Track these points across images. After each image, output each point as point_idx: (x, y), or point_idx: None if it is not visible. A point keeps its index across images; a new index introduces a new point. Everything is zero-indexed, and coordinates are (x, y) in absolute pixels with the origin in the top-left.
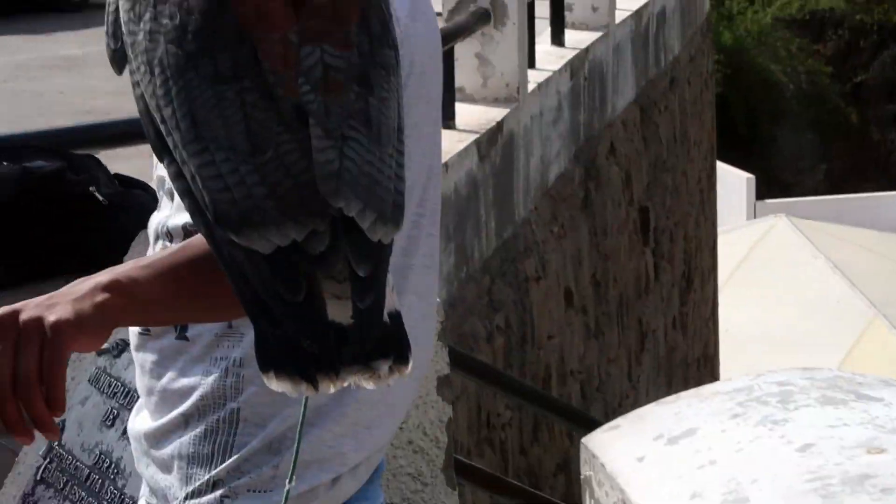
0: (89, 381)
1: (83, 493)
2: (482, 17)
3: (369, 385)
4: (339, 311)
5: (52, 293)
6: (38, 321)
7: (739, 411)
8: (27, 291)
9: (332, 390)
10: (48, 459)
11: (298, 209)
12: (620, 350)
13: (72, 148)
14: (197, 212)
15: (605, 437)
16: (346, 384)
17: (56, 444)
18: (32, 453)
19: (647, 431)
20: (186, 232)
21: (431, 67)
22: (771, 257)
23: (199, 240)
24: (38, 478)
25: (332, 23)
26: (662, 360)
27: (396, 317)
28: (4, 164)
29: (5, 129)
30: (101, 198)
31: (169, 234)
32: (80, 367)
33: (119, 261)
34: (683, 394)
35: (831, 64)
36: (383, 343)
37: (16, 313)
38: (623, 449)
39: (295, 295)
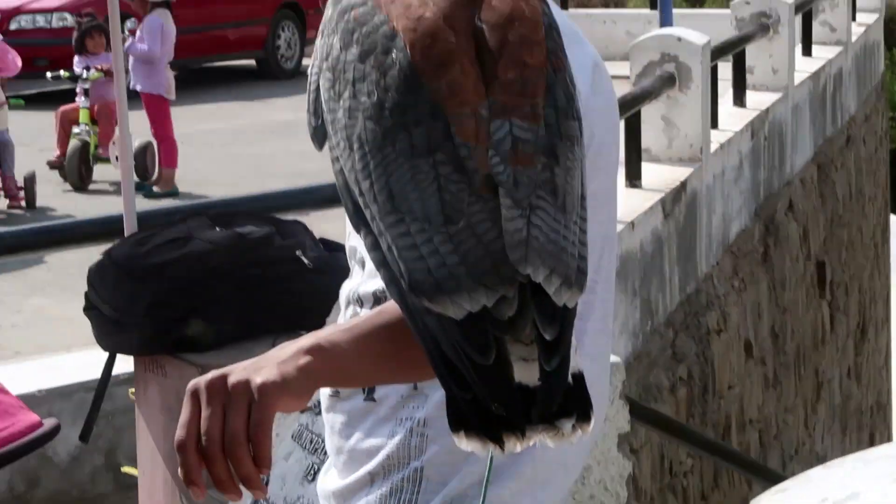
0: (292, 437)
1: None
2: (667, 81)
3: (553, 443)
4: (527, 373)
5: (259, 357)
6: (245, 383)
7: None
8: (236, 350)
9: (519, 449)
10: None
11: (489, 276)
12: (797, 399)
13: (284, 210)
14: (392, 281)
15: (773, 499)
16: (531, 443)
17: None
18: None
19: (812, 495)
20: (376, 298)
21: (609, 140)
22: None
23: (392, 305)
24: None
25: (521, 97)
26: (838, 408)
27: (579, 376)
28: (218, 229)
29: (225, 192)
30: (306, 261)
31: (360, 301)
32: (284, 425)
33: (322, 321)
34: (850, 456)
35: None
36: (566, 402)
37: (225, 376)
38: None
39: (485, 358)
